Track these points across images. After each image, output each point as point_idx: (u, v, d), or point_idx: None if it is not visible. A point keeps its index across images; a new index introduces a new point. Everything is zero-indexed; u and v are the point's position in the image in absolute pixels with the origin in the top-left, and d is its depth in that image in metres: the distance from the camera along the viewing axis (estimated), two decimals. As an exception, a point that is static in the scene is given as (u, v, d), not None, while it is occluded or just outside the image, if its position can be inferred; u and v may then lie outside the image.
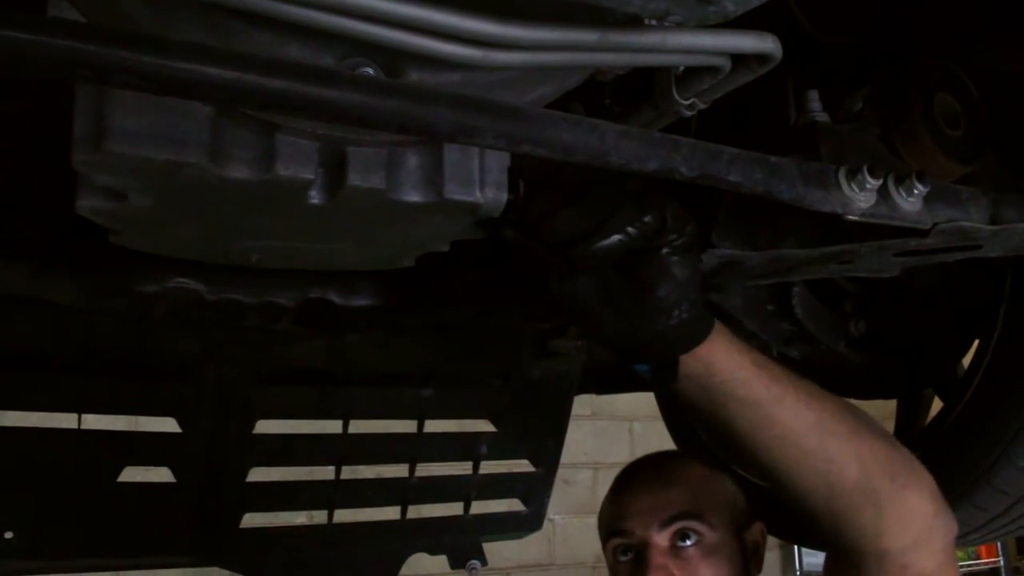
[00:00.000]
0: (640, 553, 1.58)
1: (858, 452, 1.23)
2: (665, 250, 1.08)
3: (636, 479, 1.70)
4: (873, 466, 1.23)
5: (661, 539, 1.56)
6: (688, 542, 1.56)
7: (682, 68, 0.97)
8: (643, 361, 1.19)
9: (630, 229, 1.06)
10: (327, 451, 1.79)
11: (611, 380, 2.18)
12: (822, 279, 1.78)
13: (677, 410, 2.41)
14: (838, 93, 1.30)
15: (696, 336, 1.16)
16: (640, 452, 1.86)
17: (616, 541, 1.62)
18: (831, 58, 1.28)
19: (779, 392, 1.21)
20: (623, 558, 1.62)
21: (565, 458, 2.11)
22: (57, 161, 0.86)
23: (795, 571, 5.94)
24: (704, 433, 2.22)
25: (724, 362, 1.19)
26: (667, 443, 2.49)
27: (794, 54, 1.15)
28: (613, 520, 1.65)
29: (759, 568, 1.67)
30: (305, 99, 0.70)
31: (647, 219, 1.06)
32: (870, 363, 1.88)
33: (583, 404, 5.31)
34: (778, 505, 1.76)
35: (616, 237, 1.06)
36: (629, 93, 1.09)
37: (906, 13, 1.23)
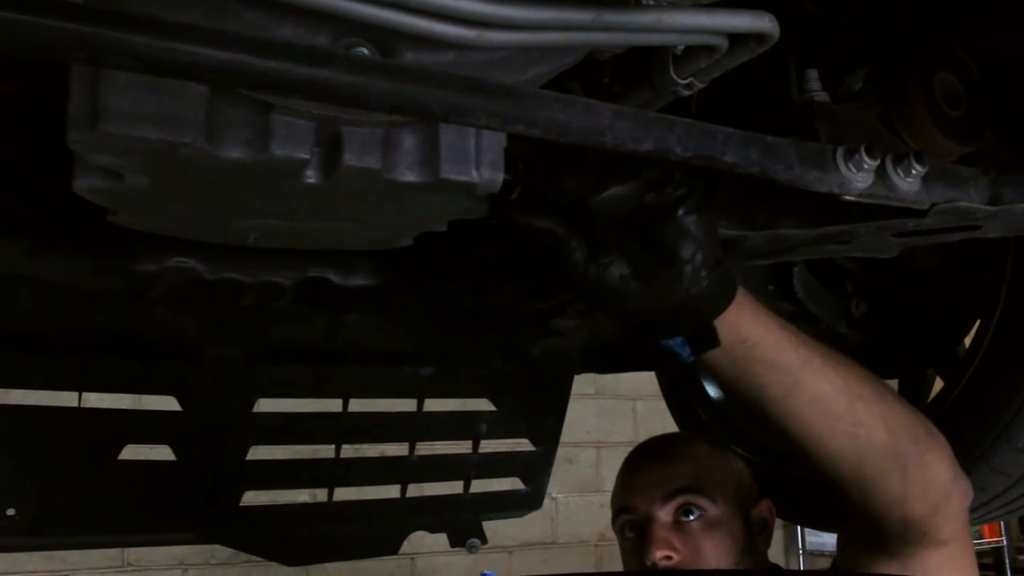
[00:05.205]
0: (644, 528, 1.61)
1: (884, 415, 1.23)
2: (681, 211, 1.08)
3: (642, 458, 1.74)
4: (899, 429, 1.23)
5: (664, 514, 1.59)
6: (691, 517, 1.58)
7: (680, 48, 0.97)
8: (676, 335, 1.17)
9: (634, 179, 1.06)
10: (327, 430, 1.79)
11: (614, 359, 2.18)
12: (823, 259, 1.78)
13: (678, 390, 2.41)
14: (838, 72, 1.30)
15: (725, 298, 1.14)
16: (643, 431, 1.87)
17: (623, 518, 1.66)
18: (831, 37, 1.28)
19: (807, 355, 1.20)
20: (630, 535, 1.65)
21: (568, 437, 2.11)
22: (55, 140, 0.86)
23: (798, 550, 5.97)
24: (704, 411, 2.23)
25: (753, 325, 1.18)
26: (670, 422, 2.49)
27: (794, 33, 1.15)
28: (620, 497, 1.68)
29: (767, 544, 1.69)
30: (297, 79, 0.70)
31: (649, 170, 1.06)
32: (871, 343, 1.88)
33: (587, 383, 5.35)
34: (781, 485, 1.78)
35: (621, 187, 1.06)
36: (628, 73, 1.09)
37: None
